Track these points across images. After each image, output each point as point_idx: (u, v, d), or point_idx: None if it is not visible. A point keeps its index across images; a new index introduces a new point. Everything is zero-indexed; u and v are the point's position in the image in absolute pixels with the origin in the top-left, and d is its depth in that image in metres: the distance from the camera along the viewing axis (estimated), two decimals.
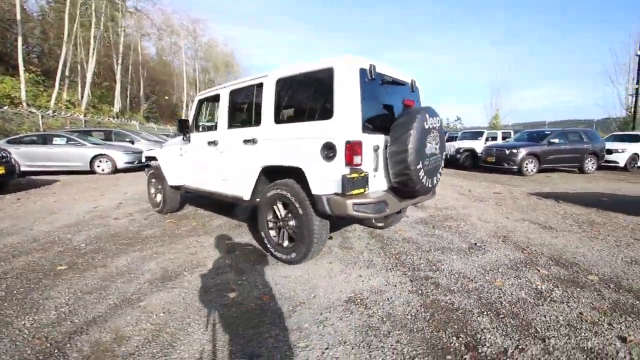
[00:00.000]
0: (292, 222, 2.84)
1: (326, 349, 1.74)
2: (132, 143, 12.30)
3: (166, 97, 38.05)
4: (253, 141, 3.17)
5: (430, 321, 2.02)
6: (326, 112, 2.60)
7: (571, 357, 1.71)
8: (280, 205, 2.91)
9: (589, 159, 10.82)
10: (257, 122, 3.19)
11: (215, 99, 3.94)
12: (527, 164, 10.01)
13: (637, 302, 2.28)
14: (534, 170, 10.18)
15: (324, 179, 2.54)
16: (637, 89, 13.70)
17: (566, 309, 2.20)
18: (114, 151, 10.19)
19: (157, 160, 4.78)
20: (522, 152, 9.96)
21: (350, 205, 2.43)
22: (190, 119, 4.16)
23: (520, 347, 1.78)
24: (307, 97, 2.83)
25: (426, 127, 2.68)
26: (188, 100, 40.32)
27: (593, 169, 10.94)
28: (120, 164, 10.24)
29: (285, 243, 2.90)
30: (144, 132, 17.46)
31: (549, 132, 11.23)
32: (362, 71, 2.56)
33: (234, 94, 3.56)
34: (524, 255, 3.19)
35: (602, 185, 8.21)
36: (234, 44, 62.50)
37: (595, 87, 54.26)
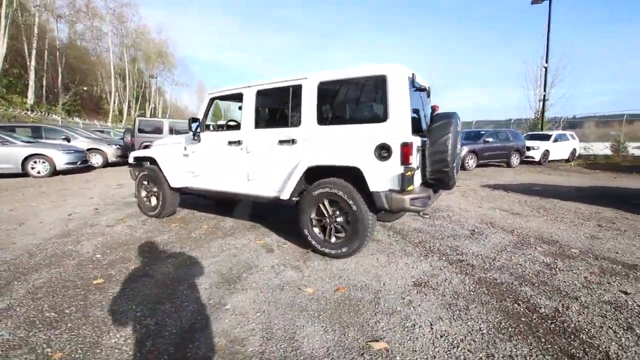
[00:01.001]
0: (340, 219, 3.01)
1: (432, 325, 1.99)
2: (68, 141, 10.78)
3: (84, 89, 33.60)
4: (292, 142, 3.23)
5: (490, 294, 2.41)
6: (379, 115, 2.83)
7: (601, 308, 2.24)
8: (326, 203, 3.05)
9: (514, 155, 12.83)
10: (295, 122, 3.26)
11: (235, 98, 3.84)
12: (468, 160, 11.45)
13: (614, 265, 2.99)
14: (474, 166, 11.71)
15: (380, 177, 2.77)
16: (544, 95, 16.62)
17: (574, 275, 2.79)
18: (52, 150, 8.85)
19: (152, 161, 4.43)
20: (465, 150, 11.33)
21: (407, 200, 2.71)
22: (201, 118, 3.98)
23: (565, 305, 2.26)
24: (355, 100, 3.02)
25: (457, 130, 3.09)
26: (116, 93, 36.27)
27: (517, 163, 13.02)
28: (61, 165, 8.97)
29: (333, 239, 3.06)
30: (75, 128, 15.32)
31: (483, 132, 12.97)
32: (409, 79, 2.85)
33: (262, 94, 3.54)
34: (515, 238, 3.84)
35: (528, 177, 9.87)
36: (169, 33, 57.64)
37: (513, 91, 64.60)
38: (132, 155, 4.81)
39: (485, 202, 5.91)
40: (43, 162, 8.72)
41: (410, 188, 2.75)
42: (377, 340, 1.83)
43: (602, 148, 16.24)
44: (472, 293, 2.43)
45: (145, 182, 4.60)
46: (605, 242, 3.67)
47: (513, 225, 4.37)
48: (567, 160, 15.17)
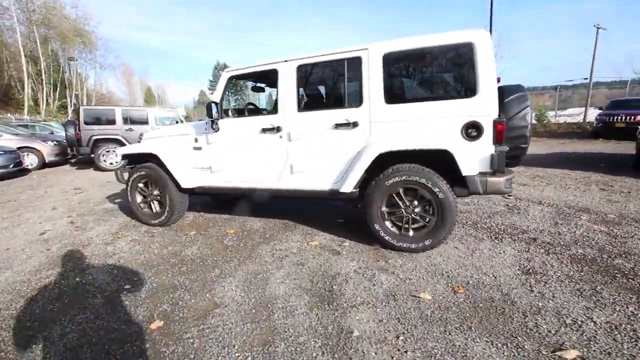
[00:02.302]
0: (418, 209, 2.69)
1: (592, 318, 1.80)
2: None
3: None
4: (353, 125, 2.77)
5: (599, 273, 2.31)
6: (465, 90, 2.51)
7: None
8: (401, 193, 2.69)
9: None
10: (355, 102, 2.79)
11: (264, 76, 3.21)
12: None
13: None
14: None
15: (472, 160, 2.48)
16: None
17: (636, 240, 2.85)
18: None
19: (152, 157, 3.61)
20: None
21: (503, 182, 2.47)
22: (218, 101, 3.26)
23: None
24: (432, 74, 2.64)
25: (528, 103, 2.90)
26: (29, 80, 30.80)
27: None
28: None
29: (411, 232, 2.73)
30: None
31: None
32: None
33: (305, 70, 2.97)
34: (551, 208, 3.90)
35: None
36: (87, 7, 49.28)
37: None
38: (120, 152, 3.87)
39: None
40: None
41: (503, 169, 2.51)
42: (563, 349, 1.58)
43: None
44: (583, 274, 2.31)
45: (142, 185, 3.76)
46: (625, 204, 3.89)
47: (533, 195, 4.47)
48: None
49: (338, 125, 2.82)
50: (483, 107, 2.46)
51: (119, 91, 59.91)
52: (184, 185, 3.48)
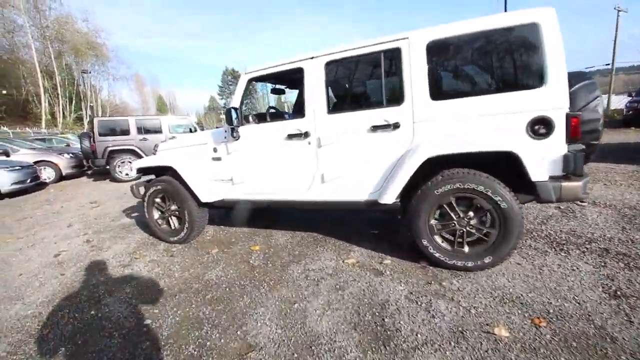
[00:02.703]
0: (474, 221, 2.31)
1: None
2: (7, 155, 8.77)
3: (3, 92, 28.68)
4: (393, 126, 2.42)
5: None
6: (531, 80, 2.12)
7: None
8: (454, 202, 2.32)
9: None
10: (395, 100, 2.45)
11: (289, 75, 2.90)
12: None
13: None
14: None
15: (541, 162, 2.09)
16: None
17: None
18: None
19: (168, 170, 3.35)
20: None
21: (581, 187, 2.08)
22: (237, 106, 2.96)
23: None
24: (488, 62, 2.26)
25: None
26: (46, 94, 31.67)
27: None
28: (6, 187, 7.21)
29: (466, 248, 2.36)
30: (12, 139, 12.77)
31: None
32: None
33: (335, 66, 2.65)
34: (610, 210, 3.44)
35: None
36: (96, 20, 50.27)
37: None
38: (136, 166, 3.63)
39: None
40: None
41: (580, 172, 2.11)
42: None
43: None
44: None
45: (159, 200, 3.51)
46: None
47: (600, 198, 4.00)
48: None
49: (375, 128, 2.48)
50: (553, 98, 2.07)
51: (132, 101, 61.22)
52: (203, 199, 3.20)
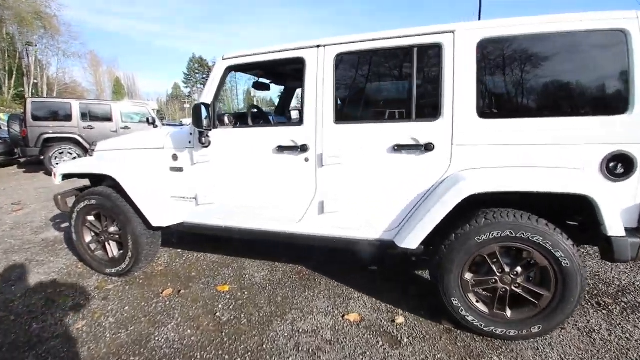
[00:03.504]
0: (520, 279, 1.78)
1: None
2: None
3: None
4: (425, 147, 1.81)
5: None
6: (611, 103, 1.62)
7: None
8: (497, 254, 1.77)
9: None
10: (428, 113, 1.85)
11: (283, 67, 2.20)
12: None
13: None
14: None
15: (617, 210, 1.60)
16: None
17: None
18: None
19: (106, 179, 2.49)
20: None
21: None
22: (210, 101, 2.20)
23: None
24: (557, 75, 1.72)
25: None
26: None
27: None
28: None
29: (509, 312, 1.82)
30: None
31: None
32: None
33: (348, 60, 1.98)
34: None
35: None
36: None
37: None
38: (61, 172, 2.69)
39: None
40: None
41: None
42: None
43: None
44: None
45: (92, 218, 2.62)
46: None
47: None
48: None
49: (399, 147, 1.85)
50: (636, 130, 1.58)
51: (85, 81, 55.86)
52: (155, 221, 2.39)
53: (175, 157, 2.39)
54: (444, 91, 1.78)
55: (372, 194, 1.96)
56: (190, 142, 2.32)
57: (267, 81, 3.11)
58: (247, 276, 2.63)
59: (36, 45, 35.11)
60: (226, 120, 2.35)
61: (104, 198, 2.48)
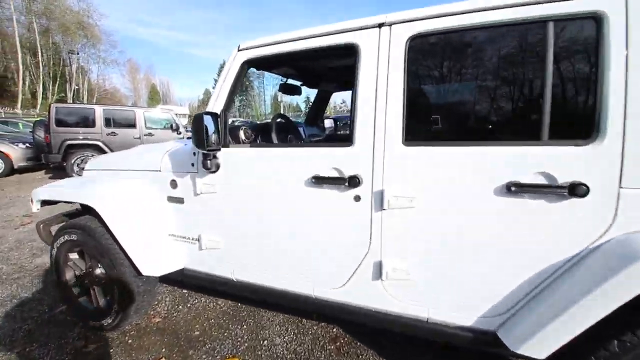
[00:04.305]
0: None
1: None
2: None
3: None
4: (570, 189, 1.05)
5: None
6: None
7: None
8: None
9: None
10: (574, 130, 1.09)
11: (324, 59, 1.52)
12: None
13: None
14: None
15: None
16: None
17: None
18: None
19: (83, 213, 1.92)
20: None
21: None
22: (219, 111, 1.57)
23: None
24: None
25: None
26: (26, 71, 29.57)
27: None
28: None
29: None
30: None
31: None
32: None
33: (430, 44, 1.27)
34: None
35: None
36: (90, 1, 47.24)
37: None
38: (37, 197, 2.16)
39: None
40: None
41: None
42: None
43: None
44: None
45: (76, 256, 2.07)
46: None
47: None
48: None
49: (521, 187, 1.10)
50: None
51: (123, 87, 58.85)
52: (145, 269, 1.78)
53: (174, 184, 1.78)
54: (607, 92, 1.02)
55: (468, 257, 1.22)
56: (193, 165, 1.70)
57: (299, 82, 2.45)
58: (265, 342, 1.95)
59: (78, 53, 37.19)
60: (242, 135, 1.71)
61: (85, 234, 1.91)
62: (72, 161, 7.06)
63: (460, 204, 1.19)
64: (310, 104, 3.07)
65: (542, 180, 1.09)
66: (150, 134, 7.70)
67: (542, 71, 1.11)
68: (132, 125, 7.61)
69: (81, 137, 7.15)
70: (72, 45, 36.89)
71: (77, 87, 38.92)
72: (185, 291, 2.55)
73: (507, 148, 1.13)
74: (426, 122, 1.37)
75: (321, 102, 2.98)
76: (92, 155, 7.21)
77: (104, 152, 7.23)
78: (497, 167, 1.14)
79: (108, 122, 7.37)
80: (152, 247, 1.81)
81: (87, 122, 7.24)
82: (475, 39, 1.22)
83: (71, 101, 34.88)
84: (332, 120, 3.20)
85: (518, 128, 1.22)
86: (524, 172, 1.11)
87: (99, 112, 7.32)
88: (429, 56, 1.31)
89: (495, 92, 1.26)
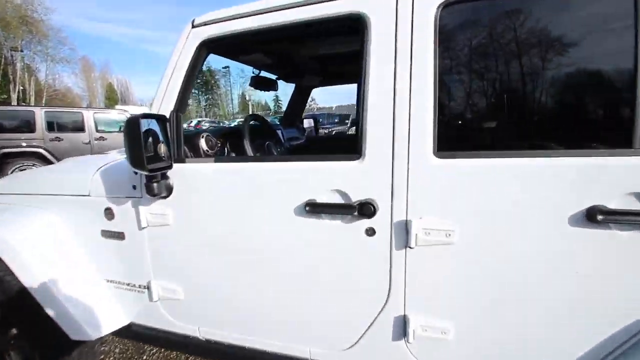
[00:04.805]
0: None
1: None
2: None
3: None
4: None
5: None
6: None
7: None
8: None
9: None
10: None
11: (320, 34, 1.12)
12: None
13: None
14: None
15: None
16: None
17: None
18: None
19: None
20: None
21: None
22: (170, 114, 1.12)
23: None
24: None
25: None
26: None
27: None
28: None
29: None
30: None
31: None
32: None
33: (478, 12, 0.89)
34: None
35: None
36: None
37: None
38: None
39: None
40: None
41: None
42: None
43: None
44: None
45: None
46: None
47: None
48: None
49: (610, 213, 0.76)
50: None
51: (76, 87, 54.58)
52: (74, 333, 1.29)
53: (110, 214, 1.29)
54: None
55: (539, 312, 0.87)
56: (135, 188, 1.22)
57: (274, 75, 2.01)
58: None
59: (22, 51, 33.86)
60: (203, 145, 1.26)
61: None
62: (10, 172, 6.10)
63: (525, 238, 0.84)
64: (280, 101, 2.63)
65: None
66: (102, 138, 6.87)
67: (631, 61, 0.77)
68: (81, 128, 6.73)
69: (21, 144, 6.22)
70: (15, 41, 33.52)
71: (22, 88, 35.45)
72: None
73: (593, 159, 0.79)
74: (470, 124, 1.00)
75: (300, 98, 2.56)
76: (34, 165, 6.30)
77: (48, 160, 6.33)
78: (579, 186, 0.79)
79: (51, 125, 6.46)
80: (83, 301, 1.32)
81: (26, 126, 6.29)
82: (535, 10, 0.86)
83: (16, 103, 31.69)
84: (311, 120, 2.80)
85: (610, 130, 0.88)
86: (610, 195, 0.77)
87: (39, 114, 6.38)
88: (472, 30, 0.93)
89: (580, 83, 0.88)
